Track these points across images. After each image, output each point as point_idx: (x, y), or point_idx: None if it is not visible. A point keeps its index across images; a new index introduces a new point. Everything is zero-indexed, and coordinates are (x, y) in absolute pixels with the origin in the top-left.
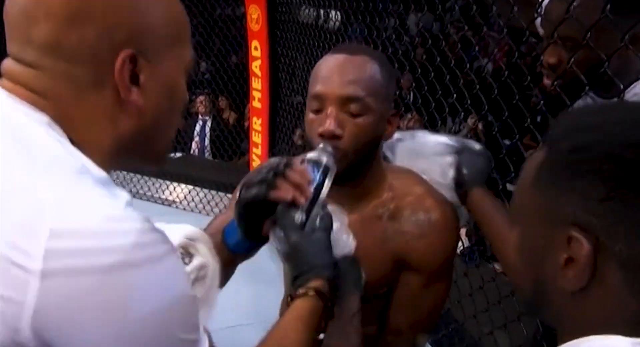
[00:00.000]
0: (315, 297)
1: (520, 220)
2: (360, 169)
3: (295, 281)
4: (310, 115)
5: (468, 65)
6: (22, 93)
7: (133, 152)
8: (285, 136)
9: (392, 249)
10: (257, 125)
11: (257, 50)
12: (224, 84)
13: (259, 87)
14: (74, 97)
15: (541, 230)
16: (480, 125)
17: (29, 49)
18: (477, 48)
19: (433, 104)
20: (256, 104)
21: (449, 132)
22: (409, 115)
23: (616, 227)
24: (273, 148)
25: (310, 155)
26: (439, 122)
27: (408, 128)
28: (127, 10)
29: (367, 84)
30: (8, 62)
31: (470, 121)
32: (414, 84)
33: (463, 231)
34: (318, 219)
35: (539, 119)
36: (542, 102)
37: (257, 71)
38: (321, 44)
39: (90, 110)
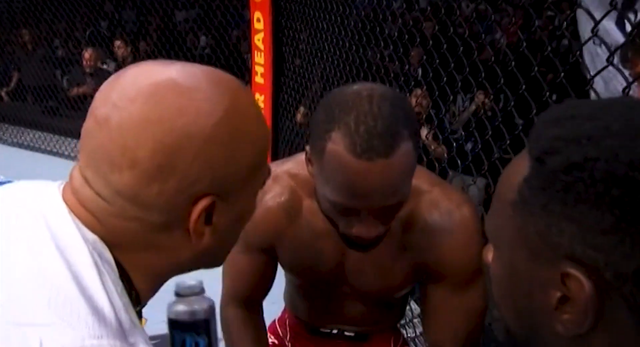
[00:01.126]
0: None
1: (499, 245)
2: None
3: None
4: (331, 210)
5: (483, 37)
6: (82, 213)
7: (190, 269)
8: (289, 114)
9: (409, 259)
10: (260, 102)
11: (259, 22)
12: (225, 59)
13: (262, 62)
14: (140, 235)
15: (527, 263)
16: (488, 101)
17: (104, 187)
18: (491, 20)
19: (445, 79)
20: (259, 79)
21: (459, 109)
22: (418, 91)
23: (625, 264)
24: (276, 126)
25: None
26: (450, 98)
27: (416, 104)
28: (214, 161)
29: (409, 179)
30: (77, 178)
31: (479, 98)
32: (424, 57)
33: None
34: None
35: (554, 97)
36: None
37: (260, 45)
38: (327, 16)
39: (152, 246)
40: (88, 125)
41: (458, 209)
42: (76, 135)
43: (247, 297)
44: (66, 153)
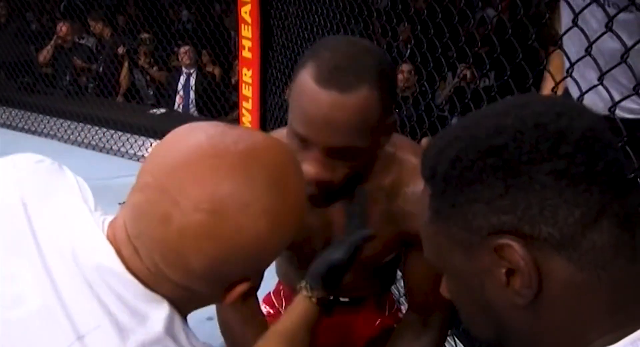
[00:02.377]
0: (317, 305)
1: (444, 266)
2: (349, 187)
3: (306, 281)
4: (292, 142)
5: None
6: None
7: None
8: (278, 89)
9: (393, 227)
10: (247, 77)
11: None
12: (204, 34)
13: (249, 36)
14: (178, 299)
15: (467, 261)
16: (469, 74)
17: (154, 267)
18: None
19: (439, 50)
20: (246, 53)
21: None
22: (405, 68)
23: (530, 212)
24: (264, 103)
25: None
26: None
27: (404, 79)
28: (261, 258)
29: (362, 129)
30: (126, 243)
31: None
32: (416, 31)
33: None
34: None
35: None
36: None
37: (247, 17)
38: None
39: (185, 300)
40: (141, 200)
41: None
42: (53, 112)
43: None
44: (45, 131)
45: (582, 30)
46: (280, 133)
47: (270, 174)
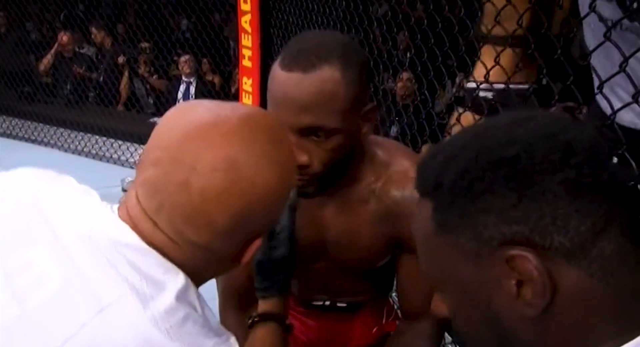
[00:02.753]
0: (266, 322)
1: (444, 283)
2: (336, 179)
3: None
4: None
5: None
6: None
7: None
8: None
9: (383, 230)
10: (248, 86)
11: (246, 3)
12: (204, 43)
13: (249, 45)
14: (199, 263)
15: (474, 273)
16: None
17: (177, 235)
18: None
19: (439, 59)
20: (246, 62)
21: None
22: (405, 76)
23: (543, 222)
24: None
25: None
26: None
27: (403, 87)
28: (273, 211)
29: (328, 108)
30: (144, 220)
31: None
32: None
33: None
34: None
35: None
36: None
37: (247, 27)
38: None
39: (205, 268)
40: (156, 174)
41: None
42: (53, 121)
43: (245, 290)
44: (45, 140)
45: (617, 46)
46: None
47: (269, 132)
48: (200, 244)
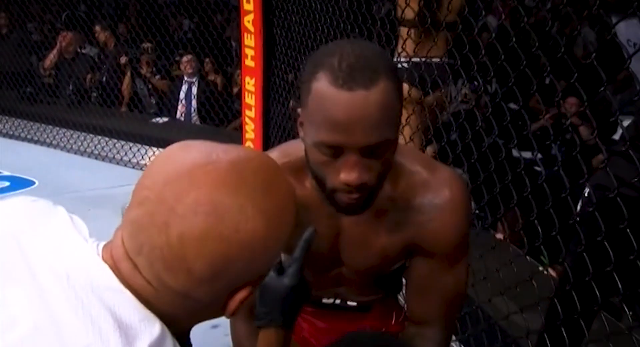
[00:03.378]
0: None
1: None
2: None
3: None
4: (320, 157)
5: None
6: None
7: None
8: (281, 97)
9: (400, 238)
10: (250, 86)
11: (249, 3)
12: (206, 43)
13: (252, 44)
14: (180, 312)
15: None
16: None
17: (155, 279)
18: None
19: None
20: (249, 62)
21: (450, 96)
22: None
23: None
24: (267, 111)
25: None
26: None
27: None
28: (258, 259)
29: (391, 118)
30: (124, 261)
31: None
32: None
33: None
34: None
35: (547, 81)
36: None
37: (250, 26)
38: None
39: (187, 316)
40: (140, 214)
41: (448, 188)
42: (56, 122)
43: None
44: (47, 140)
45: None
46: (273, 155)
47: (261, 177)
48: (179, 291)
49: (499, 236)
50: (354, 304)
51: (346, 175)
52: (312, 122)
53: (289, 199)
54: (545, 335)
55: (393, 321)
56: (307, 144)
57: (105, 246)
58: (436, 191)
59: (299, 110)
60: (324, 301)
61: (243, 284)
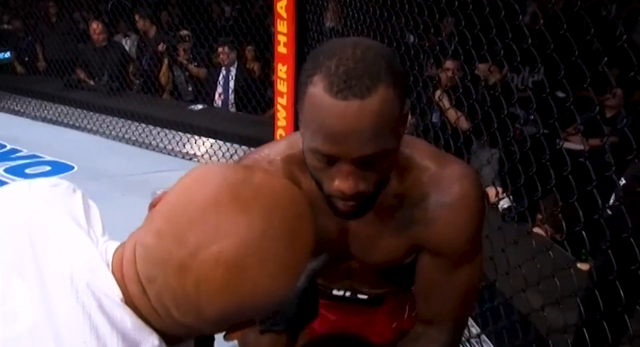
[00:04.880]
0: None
1: None
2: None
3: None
4: (315, 162)
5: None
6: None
7: None
8: None
9: (407, 238)
10: (282, 73)
11: None
12: (249, 30)
13: (285, 31)
14: (179, 334)
15: None
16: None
17: (162, 310)
18: None
19: (484, 48)
20: (281, 49)
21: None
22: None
23: None
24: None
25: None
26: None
27: (448, 77)
28: (271, 306)
29: (388, 128)
30: (134, 282)
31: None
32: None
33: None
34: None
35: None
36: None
37: (283, 12)
38: None
39: (185, 335)
40: (157, 247)
41: (459, 184)
42: (97, 109)
43: None
44: (88, 127)
45: None
46: (280, 147)
47: (290, 227)
48: (184, 324)
49: (537, 230)
50: (365, 297)
51: (340, 184)
52: (307, 128)
53: (309, 245)
54: (584, 329)
55: (406, 315)
56: (304, 146)
57: (116, 250)
58: (445, 188)
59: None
60: (335, 292)
61: (248, 321)
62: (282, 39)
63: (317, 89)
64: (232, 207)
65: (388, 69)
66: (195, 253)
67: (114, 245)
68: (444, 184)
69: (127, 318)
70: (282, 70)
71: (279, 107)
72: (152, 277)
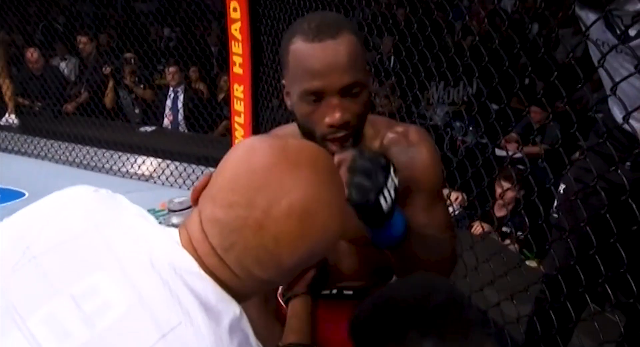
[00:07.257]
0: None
1: None
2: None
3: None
4: (306, 107)
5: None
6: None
7: None
8: (270, 103)
9: None
10: (239, 93)
11: (236, 11)
12: (193, 51)
13: (240, 52)
14: (254, 293)
15: None
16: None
17: (243, 271)
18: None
19: (421, 73)
20: (237, 69)
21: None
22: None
23: None
24: (256, 117)
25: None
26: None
27: (388, 96)
28: (332, 245)
29: (358, 64)
30: (210, 255)
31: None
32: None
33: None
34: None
35: (527, 81)
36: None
37: (237, 34)
38: (304, 3)
39: (258, 292)
40: (230, 217)
41: (418, 134)
42: (43, 134)
43: None
44: (35, 152)
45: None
46: (284, 130)
47: (331, 173)
48: (264, 279)
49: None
50: (350, 292)
51: (330, 118)
52: (294, 78)
53: (344, 188)
54: (535, 319)
55: None
56: (294, 101)
57: (180, 232)
58: (411, 137)
59: (284, 81)
60: (322, 292)
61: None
62: (237, 60)
63: (297, 43)
64: (287, 167)
65: (348, 23)
66: (268, 211)
67: (175, 231)
68: (413, 140)
69: (210, 289)
70: (239, 90)
71: (236, 125)
72: (230, 245)
